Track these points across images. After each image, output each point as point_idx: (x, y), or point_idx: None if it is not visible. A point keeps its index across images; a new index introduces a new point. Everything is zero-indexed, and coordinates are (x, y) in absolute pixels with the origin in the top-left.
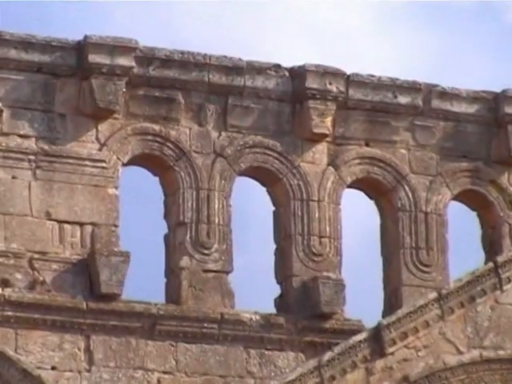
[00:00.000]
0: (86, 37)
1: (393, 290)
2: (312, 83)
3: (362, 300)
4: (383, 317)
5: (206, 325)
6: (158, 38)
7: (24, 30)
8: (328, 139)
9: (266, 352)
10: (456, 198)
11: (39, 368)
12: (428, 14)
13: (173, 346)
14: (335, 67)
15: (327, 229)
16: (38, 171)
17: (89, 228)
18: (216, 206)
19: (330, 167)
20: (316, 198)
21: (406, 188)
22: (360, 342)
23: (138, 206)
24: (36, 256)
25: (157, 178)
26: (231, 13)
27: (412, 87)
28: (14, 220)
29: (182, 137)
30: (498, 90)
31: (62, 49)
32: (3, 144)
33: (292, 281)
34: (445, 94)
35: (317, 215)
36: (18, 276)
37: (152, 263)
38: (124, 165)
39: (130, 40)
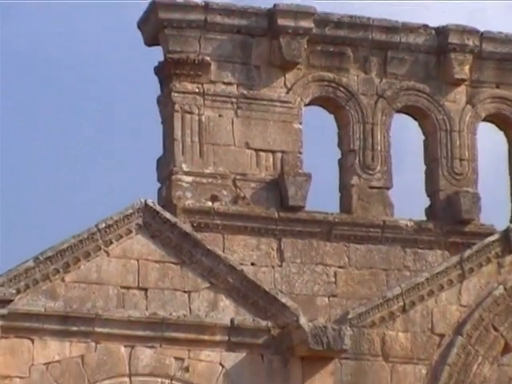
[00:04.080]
0: (275, 5)
1: None
2: (453, 39)
3: (493, 209)
4: (511, 222)
5: (371, 229)
6: (332, 4)
7: (227, 0)
8: (466, 83)
9: (419, 250)
10: None
11: (241, 264)
12: None
13: (346, 246)
14: (471, 26)
15: (466, 153)
16: (238, 111)
17: (279, 155)
18: (378, 136)
19: (468, 105)
20: (457, 129)
21: None
22: (493, 241)
23: (317, 137)
24: (238, 177)
25: (331, 116)
26: None
27: None
28: (221, 149)
29: (351, 82)
30: None
31: (256, 15)
32: (211, 90)
33: (439, 194)
34: None
35: (458, 143)
36: (224, 192)
37: (329, 181)
38: (306, 105)
39: (309, 7)
